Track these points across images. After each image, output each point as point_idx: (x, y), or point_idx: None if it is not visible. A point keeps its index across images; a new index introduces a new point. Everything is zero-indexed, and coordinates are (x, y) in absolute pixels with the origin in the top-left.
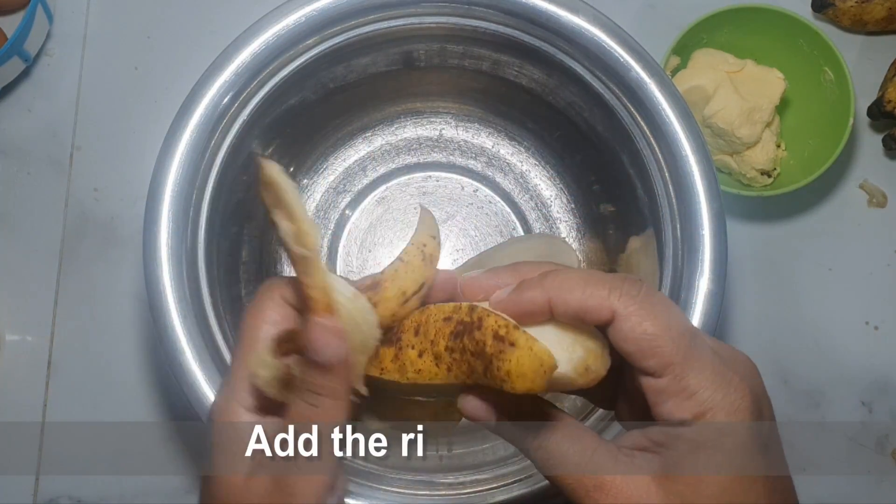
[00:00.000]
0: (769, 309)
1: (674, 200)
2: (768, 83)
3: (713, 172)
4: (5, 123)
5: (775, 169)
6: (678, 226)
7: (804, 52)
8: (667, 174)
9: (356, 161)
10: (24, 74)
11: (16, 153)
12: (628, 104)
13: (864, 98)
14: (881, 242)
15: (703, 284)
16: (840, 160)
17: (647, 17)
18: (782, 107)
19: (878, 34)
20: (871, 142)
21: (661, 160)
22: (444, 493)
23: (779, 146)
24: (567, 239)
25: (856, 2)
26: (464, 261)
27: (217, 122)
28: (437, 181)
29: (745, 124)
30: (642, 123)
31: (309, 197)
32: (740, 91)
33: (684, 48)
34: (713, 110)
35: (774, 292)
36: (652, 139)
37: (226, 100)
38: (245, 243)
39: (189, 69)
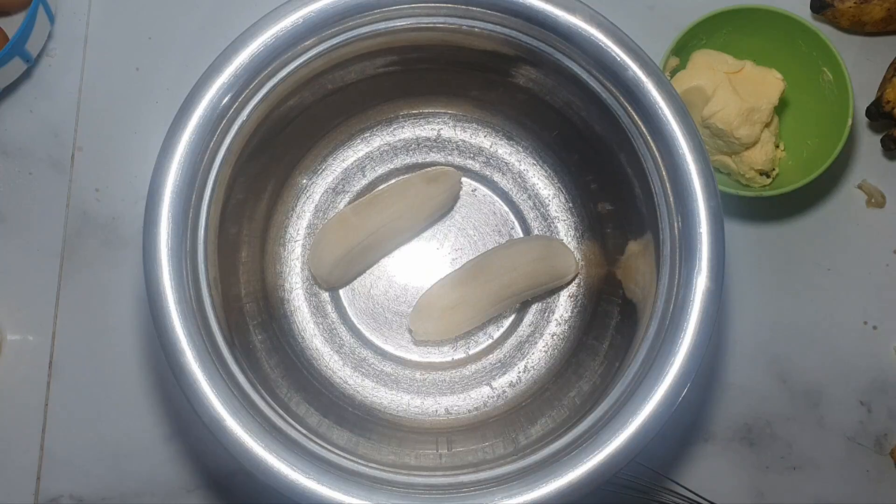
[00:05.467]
0: (768, 309)
1: (671, 199)
2: (767, 84)
3: (710, 171)
4: (7, 124)
5: (774, 169)
6: (676, 224)
7: (803, 53)
8: (664, 172)
9: (355, 161)
10: (26, 75)
11: (17, 154)
12: (625, 103)
13: (862, 99)
14: (880, 242)
15: (700, 282)
16: (839, 160)
17: (646, 18)
18: (781, 107)
19: (877, 35)
20: (870, 142)
21: (659, 159)
22: (443, 492)
23: (777, 146)
24: (565, 238)
25: (854, 3)
26: (463, 261)
27: (216, 122)
28: None
29: (744, 125)
30: (639, 122)
31: (308, 198)
32: (739, 92)
33: (683, 49)
34: (712, 111)
35: (773, 292)
36: (649, 138)
37: (225, 100)
38: (245, 243)
39: (190, 70)
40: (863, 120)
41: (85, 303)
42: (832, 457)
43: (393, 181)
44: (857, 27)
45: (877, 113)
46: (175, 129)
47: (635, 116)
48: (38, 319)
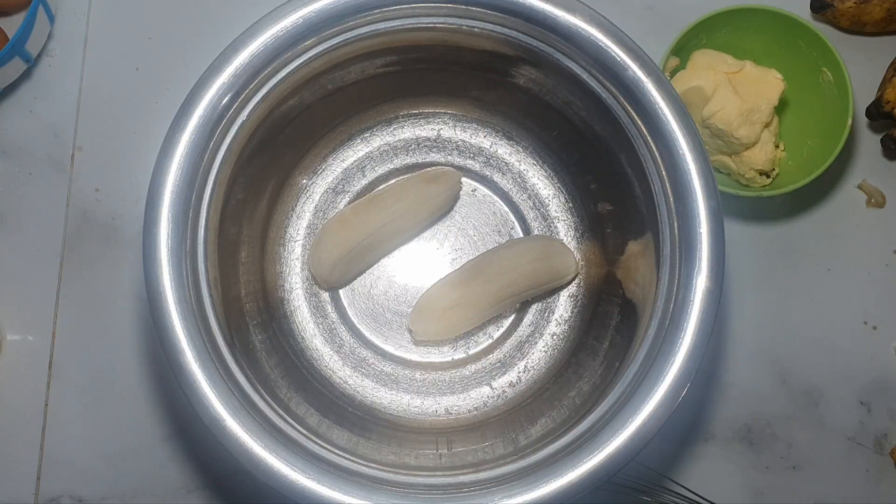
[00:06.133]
0: (768, 309)
1: (671, 199)
2: (767, 84)
3: (710, 170)
4: (7, 124)
5: (774, 169)
6: (675, 224)
7: (803, 53)
8: (664, 172)
9: (355, 161)
10: (26, 75)
11: (17, 153)
12: (625, 103)
13: (862, 99)
14: (880, 242)
15: (700, 283)
16: (839, 160)
17: (646, 18)
18: (781, 107)
19: (877, 35)
20: (870, 142)
21: (659, 158)
22: (443, 493)
23: (777, 146)
24: (565, 238)
25: (854, 3)
26: (463, 261)
27: (216, 123)
28: None
29: (744, 125)
30: (639, 122)
31: (308, 198)
32: (739, 92)
33: (683, 49)
34: (712, 111)
35: (773, 292)
36: (649, 137)
37: (225, 100)
38: (245, 243)
39: (190, 70)
40: (863, 120)
41: (85, 303)
42: (832, 457)
43: (393, 181)
44: (857, 27)
45: (877, 113)
46: (175, 129)
47: (635, 116)
48: (38, 319)
